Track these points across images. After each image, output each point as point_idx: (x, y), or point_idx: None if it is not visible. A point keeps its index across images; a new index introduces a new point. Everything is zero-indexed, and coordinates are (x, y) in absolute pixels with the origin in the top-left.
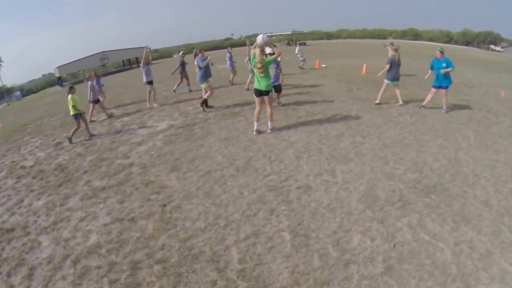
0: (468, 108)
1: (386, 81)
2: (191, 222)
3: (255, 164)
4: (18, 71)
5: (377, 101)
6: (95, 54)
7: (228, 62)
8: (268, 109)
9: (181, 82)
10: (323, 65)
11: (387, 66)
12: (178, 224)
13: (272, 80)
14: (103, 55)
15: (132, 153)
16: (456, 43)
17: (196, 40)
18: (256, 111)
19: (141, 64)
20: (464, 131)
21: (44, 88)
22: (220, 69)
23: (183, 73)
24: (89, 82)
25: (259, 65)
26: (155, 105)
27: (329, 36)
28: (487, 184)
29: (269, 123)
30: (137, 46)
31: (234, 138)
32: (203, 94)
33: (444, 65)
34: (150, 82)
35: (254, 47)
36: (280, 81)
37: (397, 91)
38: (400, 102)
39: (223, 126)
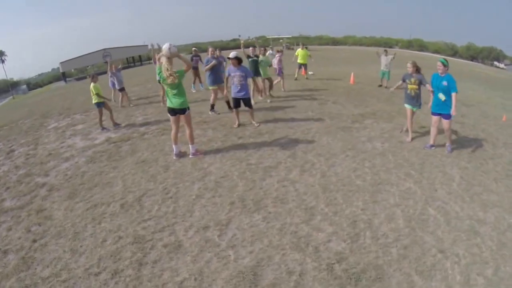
0: (461, 134)
1: (408, 107)
2: (42, 268)
3: (146, 200)
4: (28, 64)
5: (408, 139)
6: (97, 51)
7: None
8: (188, 130)
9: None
10: (310, 73)
11: (429, 87)
12: (32, 267)
13: (240, 92)
14: (105, 52)
15: (53, 171)
16: (461, 57)
17: (204, 40)
18: (172, 133)
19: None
20: (448, 168)
21: (50, 82)
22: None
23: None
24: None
25: (170, 78)
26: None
27: (335, 42)
28: (454, 269)
29: (190, 146)
30: (140, 44)
31: (151, 161)
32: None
33: (444, 83)
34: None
35: (159, 59)
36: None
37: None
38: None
39: (153, 144)
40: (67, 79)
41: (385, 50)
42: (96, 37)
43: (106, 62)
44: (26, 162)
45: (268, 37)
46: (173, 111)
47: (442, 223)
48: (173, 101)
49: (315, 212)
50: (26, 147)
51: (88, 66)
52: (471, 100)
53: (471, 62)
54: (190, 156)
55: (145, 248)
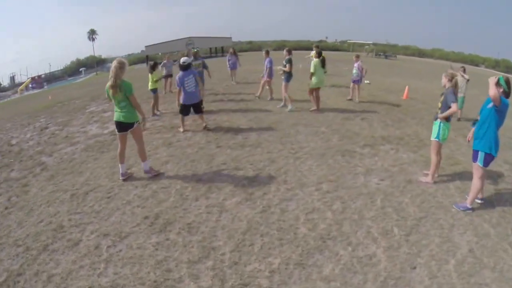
0: (501, 181)
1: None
2: None
3: (90, 195)
4: (124, 43)
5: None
6: (182, 38)
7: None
8: (137, 146)
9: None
10: (366, 81)
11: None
12: None
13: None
14: (189, 40)
15: (56, 153)
16: None
17: (292, 38)
18: (118, 150)
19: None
20: (457, 232)
21: (134, 63)
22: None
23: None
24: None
25: (111, 91)
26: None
27: (421, 53)
28: None
29: (142, 164)
30: (224, 36)
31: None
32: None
33: (489, 106)
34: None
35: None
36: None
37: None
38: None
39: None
40: (149, 62)
41: (463, 67)
42: (192, 25)
43: (189, 50)
44: (47, 141)
45: (350, 41)
46: (120, 126)
47: None
48: (121, 115)
49: (211, 256)
50: (57, 127)
51: (174, 52)
52: None
53: None
54: (145, 174)
55: (57, 237)
